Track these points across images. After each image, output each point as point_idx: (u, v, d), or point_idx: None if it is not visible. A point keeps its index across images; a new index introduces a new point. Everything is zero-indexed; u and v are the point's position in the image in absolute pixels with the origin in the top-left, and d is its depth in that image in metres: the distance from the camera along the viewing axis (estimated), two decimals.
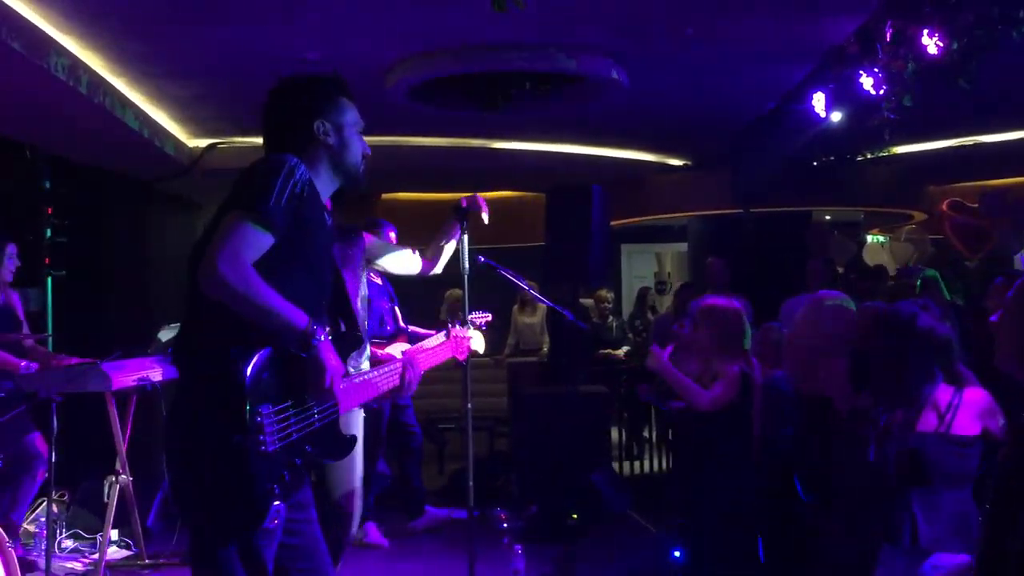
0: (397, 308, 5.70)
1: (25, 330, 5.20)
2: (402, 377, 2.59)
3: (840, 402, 3.42)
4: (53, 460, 4.33)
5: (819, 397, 3.64)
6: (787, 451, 4.18)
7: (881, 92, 4.75)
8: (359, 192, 2.66)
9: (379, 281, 5.63)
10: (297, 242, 2.28)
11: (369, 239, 3.83)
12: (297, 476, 2.23)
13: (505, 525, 5.76)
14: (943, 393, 2.99)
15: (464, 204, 3.98)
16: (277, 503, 2.12)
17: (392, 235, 5.51)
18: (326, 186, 2.54)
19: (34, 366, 4.87)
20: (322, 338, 2.22)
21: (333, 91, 2.57)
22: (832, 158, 8.25)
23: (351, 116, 2.57)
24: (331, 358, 2.24)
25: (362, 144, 2.59)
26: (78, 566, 5.26)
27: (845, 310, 4.08)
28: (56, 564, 4.56)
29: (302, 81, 2.58)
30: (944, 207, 9.35)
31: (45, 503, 4.93)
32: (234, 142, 7.51)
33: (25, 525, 5.34)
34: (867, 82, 4.84)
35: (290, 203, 2.25)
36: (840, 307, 4.19)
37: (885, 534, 2.98)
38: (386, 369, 2.59)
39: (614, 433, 7.75)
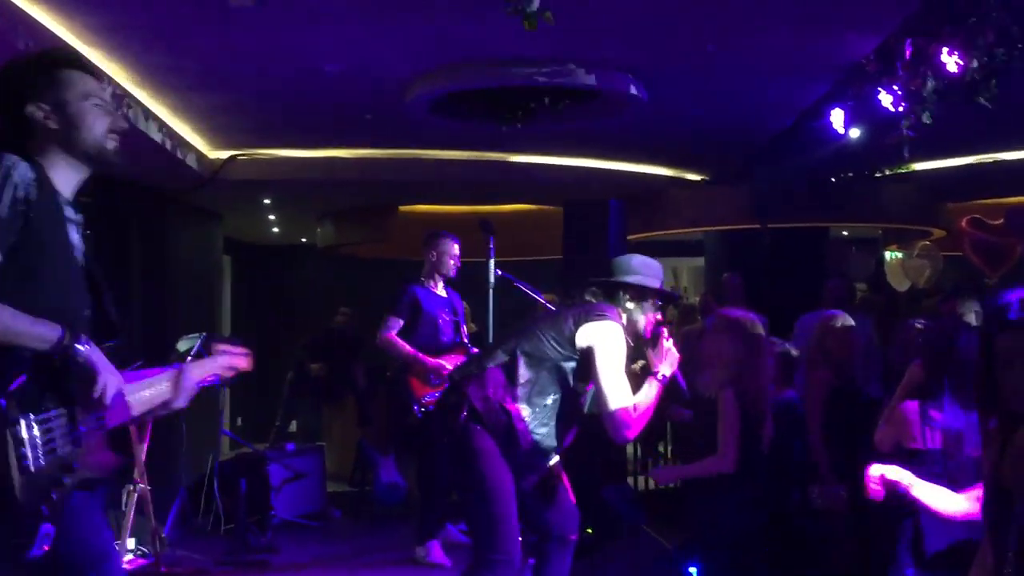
0: (461, 322, 5.71)
1: None
2: (175, 386, 2.46)
3: None
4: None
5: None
6: (798, 465, 4.19)
7: (900, 109, 4.75)
8: (102, 170, 2.27)
9: (443, 293, 5.69)
10: (35, 249, 2.05)
11: None
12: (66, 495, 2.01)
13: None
14: None
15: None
16: (46, 525, 1.94)
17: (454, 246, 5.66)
18: (68, 176, 2.23)
19: None
20: (83, 346, 2.04)
21: (48, 66, 2.18)
22: (850, 174, 8.24)
23: (80, 88, 2.18)
24: (104, 365, 2.07)
25: (104, 118, 2.21)
26: None
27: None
28: None
29: (7, 64, 2.19)
30: (964, 224, 9.31)
31: None
32: (255, 153, 7.57)
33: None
34: (886, 99, 4.84)
35: (13, 211, 2.00)
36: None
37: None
38: (159, 378, 2.46)
39: (629, 448, 7.73)
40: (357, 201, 9.54)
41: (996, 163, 7.92)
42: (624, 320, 3.50)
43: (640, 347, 3.59)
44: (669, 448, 8.04)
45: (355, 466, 8.02)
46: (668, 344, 3.53)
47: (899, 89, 4.73)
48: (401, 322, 5.48)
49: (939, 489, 2.67)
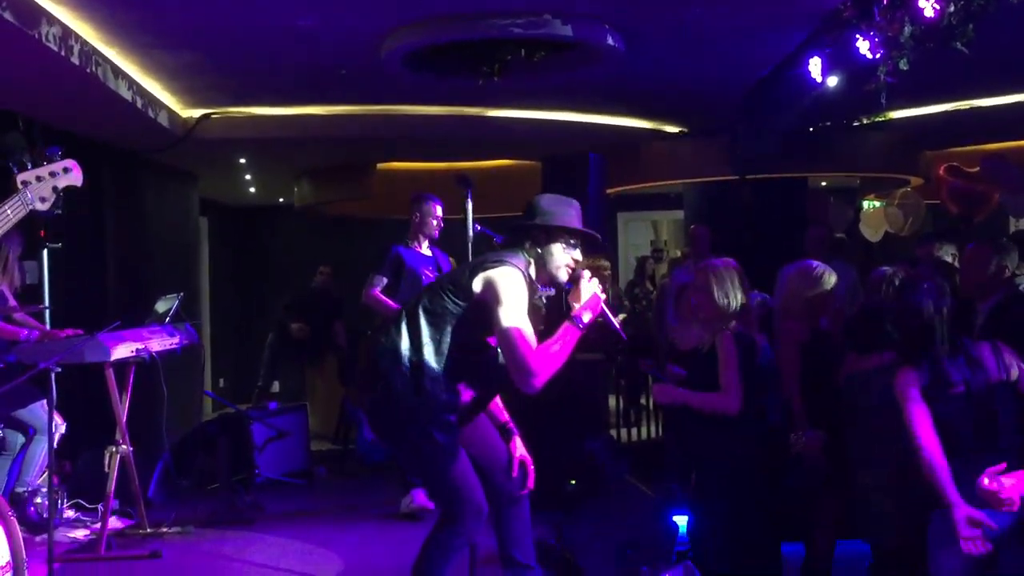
0: None
1: (12, 303, 5.19)
2: None
3: None
4: (55, 431, 4.34)
5: None
6: (774, 418, 4.22)
7: (878, 56, 4.72)
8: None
9: (428, 252, 5.86)
10: None
11: None
12: None
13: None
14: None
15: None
16: None
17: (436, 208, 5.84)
18: None
19: (35, 334, 4.89)
20: None
21: None
22: (828, 124, 8.22)
23: None
24: None
25: None
26: (80, 535, 5.31)
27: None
28: (59, 534, 4.60)
29: None
30: (941, 172, 9.34)
31: (47, 474, 4.96)
32: (228, 112, 7.47)
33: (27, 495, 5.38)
34: (863, 46, 4.81)
35: None
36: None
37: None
38: None
39: (611, 400, 7.79)
40: (334, 159, 9.45)
41: (973, 109, 7.92)
42: (533, 265, 3.37)
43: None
44: (651, 401, 8.10)
45: (338, 424, 8.05)
46: (589, 286, 3.32)
47: (876, 35, 4.70)
48: (385, 280, 5.67)
49: None
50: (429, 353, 3.24)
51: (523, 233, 3.40)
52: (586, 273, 3.35)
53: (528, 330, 3.19)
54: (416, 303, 3.35)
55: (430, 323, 3.27)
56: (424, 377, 3.23)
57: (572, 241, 3.41)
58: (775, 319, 4.50)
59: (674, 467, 4.26)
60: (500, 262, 3.27)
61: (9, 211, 2.81)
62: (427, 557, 3.38)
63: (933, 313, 3.37)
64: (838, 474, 4.07)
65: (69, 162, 3.01)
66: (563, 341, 3.21)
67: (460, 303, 3.27)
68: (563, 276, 3.40)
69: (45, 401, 4.71)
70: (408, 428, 3.29)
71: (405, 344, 3.26)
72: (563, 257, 3.39)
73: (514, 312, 3.17)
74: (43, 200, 2.90)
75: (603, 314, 3.35)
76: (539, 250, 3.38)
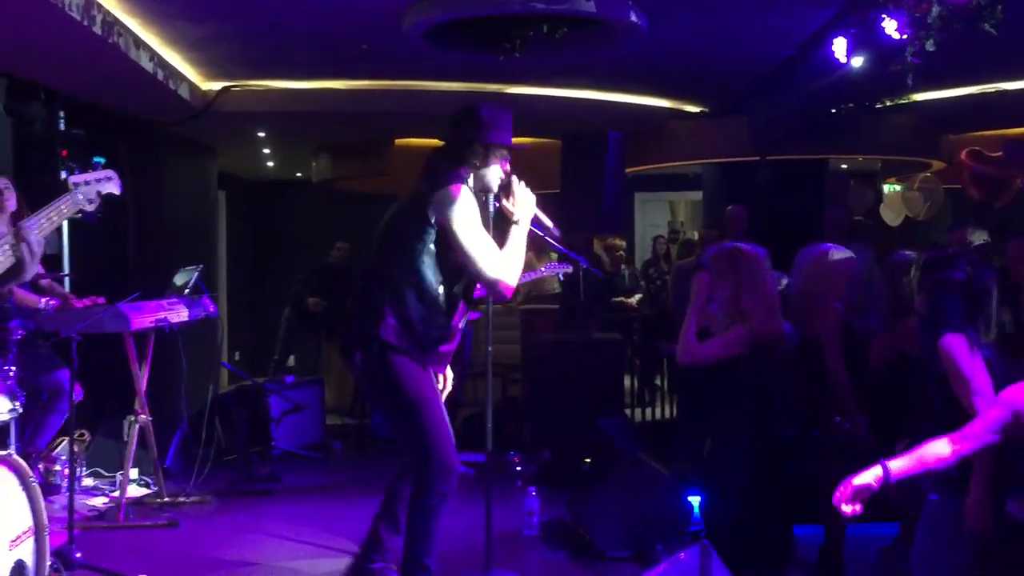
0: None
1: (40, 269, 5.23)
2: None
3: None
4: (75, 399, 4.38)
5: None
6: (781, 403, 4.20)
7: (904, 36, 4.67)
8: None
9: None
10: None
11: None
12: None
13: (519, 469, 5.83)
14: None
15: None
16: None
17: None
18: None
19: (54, 303, 4.92)
20: None
21: None
22: (851, 105, 8.15)
23: None
24: None
25: None
26: (99, 503, 5.36)
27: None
28: (78, 501, 4.65)
29: None
30: (963, 156, 9.25)
31: (66, 442, 5.01)
32: (248, 85, 7.46)
33: (46, 464, 5.44)
34: (890, 26, 4.76)
35: None
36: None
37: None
38: None
39: (626, 380, 7.78)
40: (352, 134, 9.44)
41: (999, 93, 7.82)
42: (471, 178, 3.58)
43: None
44: (665, 381, 8.10)
45: (354, 399, 8.08)
46: (521, 189, 3.58)
47: (903, 15, 4.65)
48: None
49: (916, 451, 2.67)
50: (411, 298, 3.42)
51: (465, 146, 3.58)
52: (515, 178, 3.60)
53: (486, 239, 3.45)
54: (378, 260, 3.54)
55: (404, 268, 3.44)
56: (413, 321, 3.42)
57: (506, 153, 3.63)
58: (808, 300, 4.43)
59: (687, 445, 4.27)
60: (443, 184, 3.45)
61: (64, 208, 3.09)
62: (414, 536, 3.49)
63: (993, 291, 3.33)
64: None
65: (111, 172, 3.29)
66: (513, 244, 3.51)
67: (425, 237, 3.44)
68: (495, 186, 3.64)
69: (64, 369, 4.76)
70: (394, 381, 3.42)
71: (385, 298, 3.43)
72: (498, 170, 3.63)
73: (468, 227, 3.40)
74: (90, 202, 3.17)
75: (537, 219, 3.68)
76: (477, 163, 3.59)
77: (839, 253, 4.34)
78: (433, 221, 3.42)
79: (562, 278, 5.95)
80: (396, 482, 3.76)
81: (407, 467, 3.67)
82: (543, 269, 5.89)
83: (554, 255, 6.77)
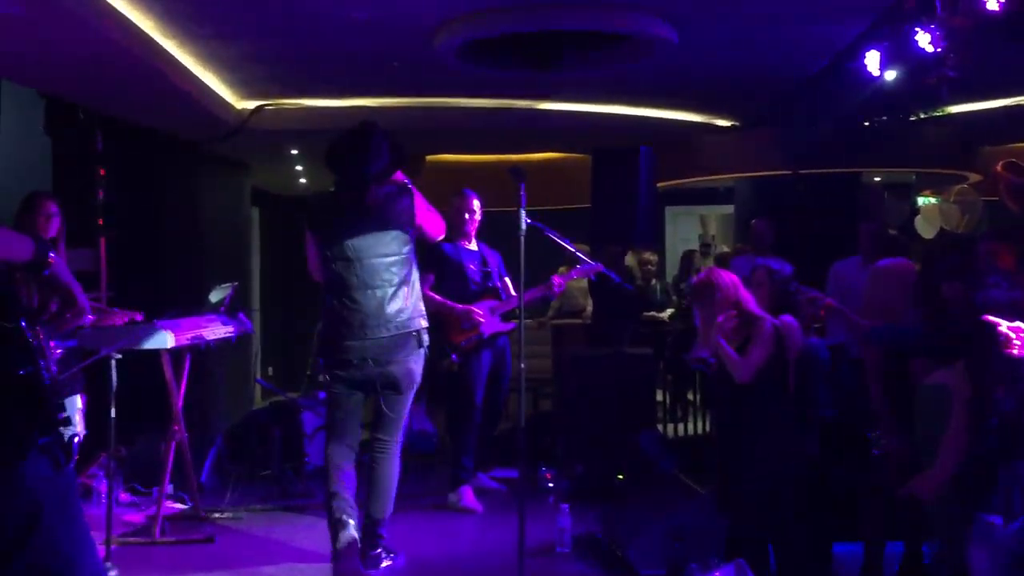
0: (493, 271, 5.90)
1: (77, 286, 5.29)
2: None
3: None
4: (112, 416, 4.43)
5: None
6: (826, 416, 4.17)
7: (939, 50, 4.64)
8: None
9: (473, 247, 5.91)
10: None
11: None
12: None
13: (551, 485, 5.81)
14: None
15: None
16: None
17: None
18: None
19: (90, 318, 4.96)
20: None
21: None
22: (884, 118, 8.09)
23: None
24: None
25: None
26: (136, 519, 5.42)
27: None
28: (115, 516, 4.69)
29: None
30: (999, 168, 9.12)
31: (105, 458, 5.06)
32: (282, 104, 7.55)
33: (83, 480, 5.50)
34: (924, 39, 4.73)
35: None
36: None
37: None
38: None
39: (659, 395, 7.75)
40: None
41: None
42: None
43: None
44: (697, 396, 8.05)
45: None
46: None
47: (937, 28, 4.61)
48: (431, 277, 5.65)
49: None
50: (414, 297, 4.42)
51: (408, 160, 4.69)
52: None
53: (432, 210, 4.61)
54: (362, 277, 4.37)
55: (402, 275, 4.35)
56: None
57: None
58: (834, 318, 4.41)
59: (725, 462, 4.24)
60: (391, 183, 4.48)
61: None
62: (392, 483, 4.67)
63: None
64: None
65: None
66: (420, 204, 4.56)
67: (404, 236, 4.40)
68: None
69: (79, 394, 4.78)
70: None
71: (393, 307, 4.33)
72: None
73: (421, 207, 4.50)
74: None
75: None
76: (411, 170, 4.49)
77: (902, 263, 4.31)
78: (405, 221, 4.55)
79: (594, 278, 6.02)
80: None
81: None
82: (573, 272, 5.96)
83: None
